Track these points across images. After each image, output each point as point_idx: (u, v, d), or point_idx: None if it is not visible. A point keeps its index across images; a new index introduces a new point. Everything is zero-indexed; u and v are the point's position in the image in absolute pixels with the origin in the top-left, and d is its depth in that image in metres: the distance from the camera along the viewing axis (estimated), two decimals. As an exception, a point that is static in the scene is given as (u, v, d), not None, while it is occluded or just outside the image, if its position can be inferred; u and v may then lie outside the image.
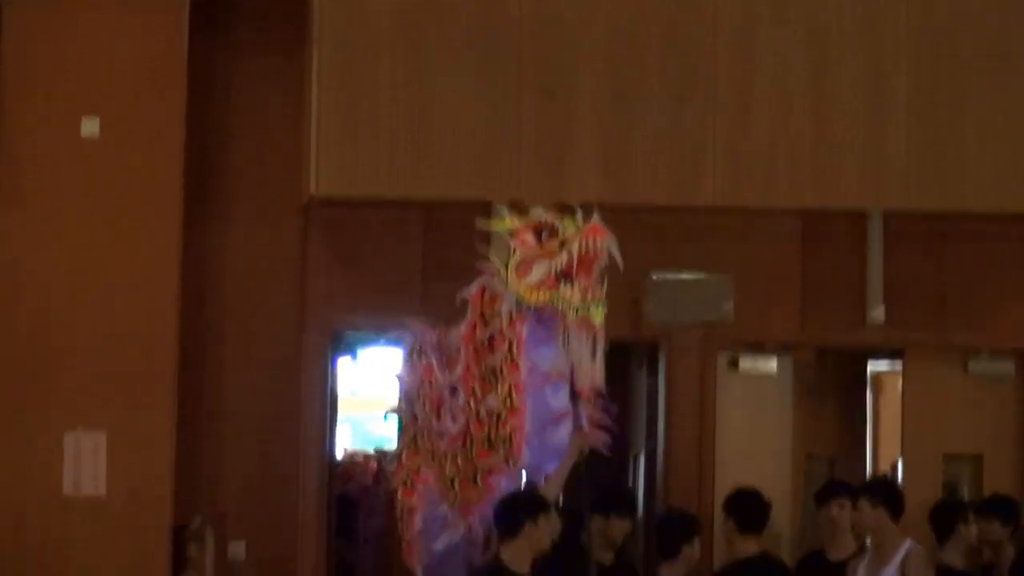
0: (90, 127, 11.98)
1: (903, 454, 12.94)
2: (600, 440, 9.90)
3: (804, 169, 12.18)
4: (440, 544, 9.93)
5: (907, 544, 10.52)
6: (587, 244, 8.74)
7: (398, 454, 11.38)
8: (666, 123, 12.35)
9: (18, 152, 12.22)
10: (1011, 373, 13.00)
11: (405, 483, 10.18)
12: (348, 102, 12.13)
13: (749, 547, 11.08)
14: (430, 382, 10.07)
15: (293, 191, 12.13)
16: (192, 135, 12.14)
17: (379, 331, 12.24)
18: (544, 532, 8.78)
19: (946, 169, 12.23)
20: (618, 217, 9.23)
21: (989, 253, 12.71)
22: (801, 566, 11.77)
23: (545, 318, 9.09)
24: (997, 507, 11.88)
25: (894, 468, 13.28)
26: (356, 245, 12.01)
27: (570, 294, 8.74)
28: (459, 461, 9.65)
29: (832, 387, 13.72)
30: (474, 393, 9.43)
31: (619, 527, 10.63)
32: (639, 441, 13.56)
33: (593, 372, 9.00)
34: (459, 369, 9.60)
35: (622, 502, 11.01)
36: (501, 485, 9.61)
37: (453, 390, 9.86)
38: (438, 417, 10.04)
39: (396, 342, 11.98)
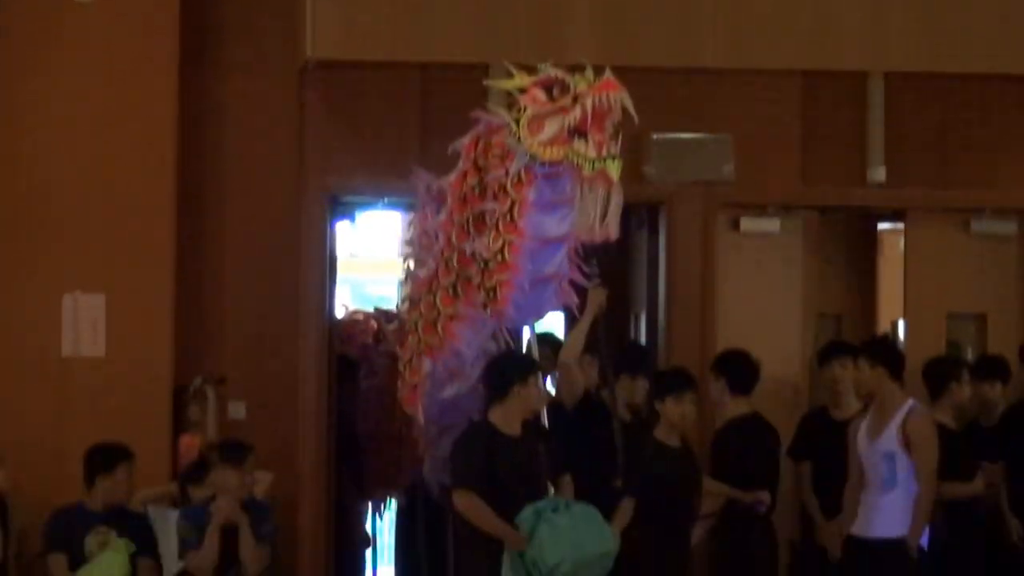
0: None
1: (906, 314, 13.02)
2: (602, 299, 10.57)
3: (804, 30, 12.18)
4: (447, 393, 10.21)
5: (909, 403, 10.58)
6: (600, 99, 8.79)
7: (397, 312, 12.54)
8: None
9: (14, 16, 12.08)
10: (1014, 232, 13.01)
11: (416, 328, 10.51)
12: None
13: (740, 407, 11.34)
14: (424, 231, 10.63)
15: (291, 51, 12.00)
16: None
17: (377, 194, 12.55)
18: (534, 394, 9.16)
19: (947, 30, 12.23)
20: (618, 77, 9.11)
21: (989, 113, 12.68)
22: (804, 424, 11.84)
23: (554, 180, 9.24)
24: (991, 367, 12.13)
25: (895, 328, 13.42)
26: (354, 108, 11.86)
27: (584, 149, 8.86)
28: (421, 307, 10.23)
29: (839, 246, 13.68)
30: (450, 241, 9.79)
31: (642, 387, 10.67)
32: (640, 300, 13.74)
33: (606, 226, 9.09)
34: (441, 215, 10.01)
35: (646, 362, 11.08)
36: (464, 334, 10.04)
37: (436, 236, 10.45)
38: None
39: (394, 205, 12.65)
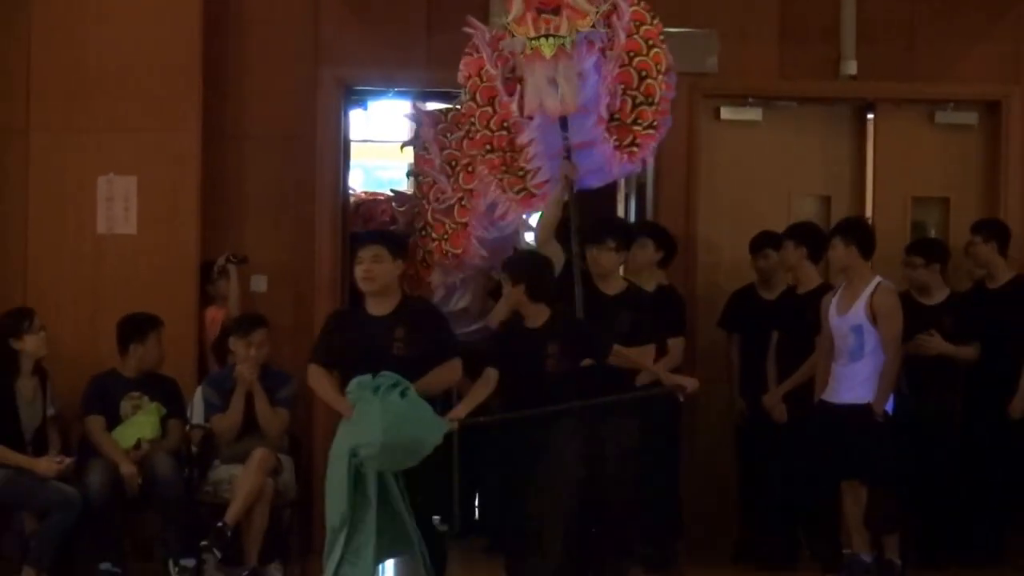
0: None
1: (874, 198, 13.10)
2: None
3: None
4: (492, 234, 10.69)
5: (876, 280, 10.91)
6: None
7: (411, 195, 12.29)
8: None
9: None
10: (975, 123, 13.14)
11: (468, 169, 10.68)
12: None
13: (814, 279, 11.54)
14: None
15: None
16: None
17: (388, 84, 12.54)
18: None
19: None
20: None
21: (953, 11, 12.66)
22: (734, 298, 12.10)
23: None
24: (920, 248, 12.20)
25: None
26: (365, 3, 11.95)
27: (525, 30, 9.40)
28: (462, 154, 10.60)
29: (830, 133, 13.45)
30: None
31: (607, 256, 10.47)
32: (629, 181, 13.42)
33: (562, 100, 9.47)
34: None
35: (614, 231, 10.80)
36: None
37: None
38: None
39: (403, 95, 12.94)
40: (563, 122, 10.03)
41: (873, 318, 10.78)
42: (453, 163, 11.01)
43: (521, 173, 10.49)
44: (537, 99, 9.58)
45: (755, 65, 12.38)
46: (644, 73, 10.18)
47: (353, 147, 13.56)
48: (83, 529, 10.30)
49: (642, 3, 10.26)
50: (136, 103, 11.86)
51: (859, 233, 11.32)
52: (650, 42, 10.21)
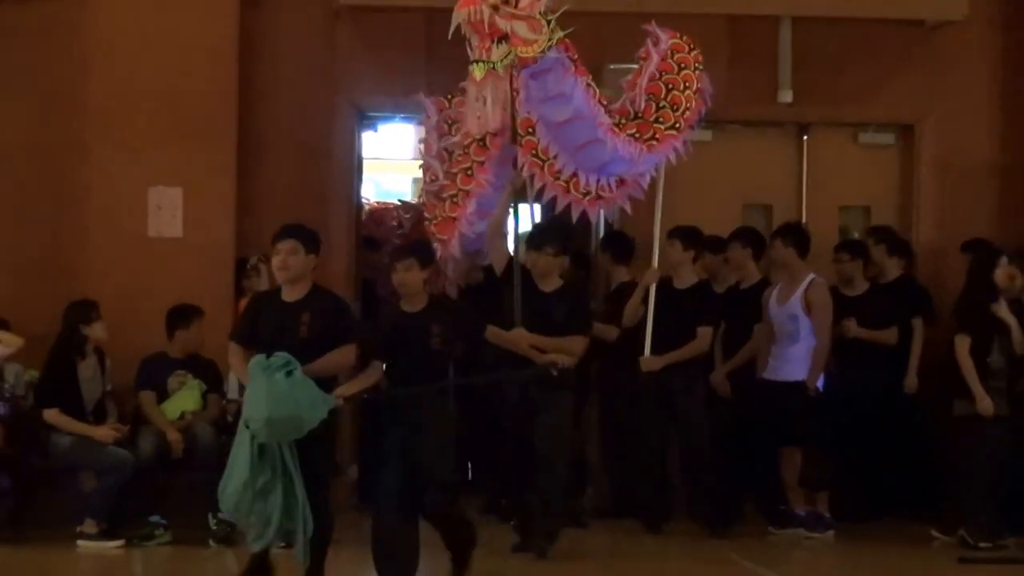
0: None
1: (808, 207, 13.06)
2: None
3: None
4: (477, 228, 10.60)
5: (810, 276, 11.17)
6: (471, 12, 8.97)
7: (414, 204, 12.79)
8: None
9: None
10: (892, 142, 13.23)
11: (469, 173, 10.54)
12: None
13: (685, 275, 11.24)
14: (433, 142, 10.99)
15: None
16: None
17: (395, 109, 12.55)
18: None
19: None
20: (575, 19, 9.46)
21: (873, 47, 12.70)
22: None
23: (539, 78, 9.43)
24: (847, 247, 12.26)
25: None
26: (375, 40, 11.91)
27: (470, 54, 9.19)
28: (458, 159, 10.54)
29: (775, 151, 13.36)
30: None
31: (545, 262, 10.25)
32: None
33: (484, 117, 9.34)
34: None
35: (552, 239, 10.50)
36: (490, 178, 10.40)
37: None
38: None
39: (407, 119, 13.20)
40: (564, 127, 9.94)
41: (807, 308, 10.97)
42: (450, 151, 10.95)
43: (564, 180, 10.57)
44: (473, 117, 9.53)
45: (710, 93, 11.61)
46: (671, 86, 10.29)
47: (365, 163, 13.52)
48: (135, 487, 10.37)
49: (683, 37, 10.43)
50: (181, 123, 11.75)
51: (797, 235, 11.52)
52: (683, 65, 10.37)
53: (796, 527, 11.15)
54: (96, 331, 10.89)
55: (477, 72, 9.27)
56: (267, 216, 11.72)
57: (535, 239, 10.28)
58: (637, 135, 10.08)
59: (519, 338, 10.00)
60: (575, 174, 10.58)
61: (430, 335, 8.70)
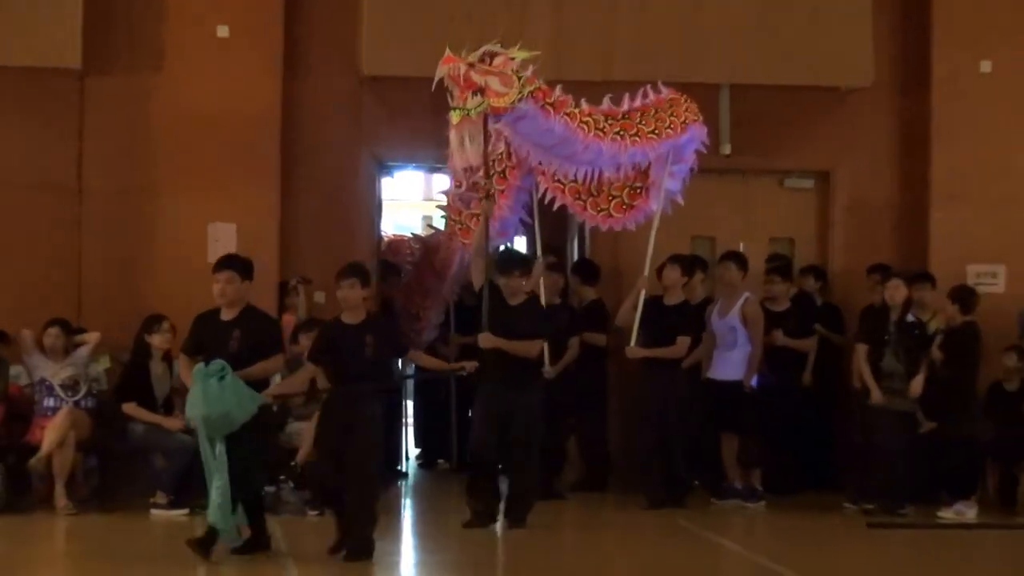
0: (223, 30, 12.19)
1: (743, 237, 13.26)
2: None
3: (673, 48, 12.34)
4: (497, 242, 10.98)
5: (746, 294, 11.69)
6: (450, 69, 9.37)
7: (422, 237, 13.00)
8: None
9: (174, 42, 12.18)
10: (811, 186, 13.62)
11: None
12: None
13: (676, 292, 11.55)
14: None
15: (351, 64, 12.12)
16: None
17: (409, 159, 12.97)
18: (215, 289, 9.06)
19: (766, 57, 12.45)
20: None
21: (771, 108, 12.97)
22: (646, 304, 11.65)
23: (519, 121, 9.71)
24: (778, 271, 12.51)
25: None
26: (393, 103, 12.07)
27: (467, 102, 9.36)
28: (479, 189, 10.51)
29: (710, 193, 13.11)
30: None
31: (514, 283, 10.44)
32: (581, 225, 13.22)
33: (464, 156, 9.69)
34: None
35: (518, 264, 10.76)
36: (507, 204, 10.89)
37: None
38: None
39: (419, 168, 13.27)
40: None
41: (744, 320, 11.50)
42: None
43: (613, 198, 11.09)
44: (456, 154, 9.93)
45: None
46: (659, 109, 10.55)
47: (384, 203, 13.81)
48: (196, 465, 10.08)
49: (685, 96, 10.79)
50: (234, 171, 12.15)
51: (741, 260, 11.98)
52: (675, 105, 10.68)
53: (734, 499, 11.60)
54: (156, 340, 11.24)
55: (455, 117, 9.61)
56: (305, 247, 12.61)
57: (503, 266, 10.47)
58: (621, 133, 10.24)
59: (484, 340, 10.26)
60: (591, 192, 10.94)
61: (364, 344, 8.85)
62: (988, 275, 12.74)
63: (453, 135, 9.82)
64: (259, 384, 8.82)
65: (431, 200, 14.37)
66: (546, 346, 11.29)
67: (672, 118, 10.74)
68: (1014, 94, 13.01)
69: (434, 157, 12.12)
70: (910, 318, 11.47)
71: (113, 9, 12.32)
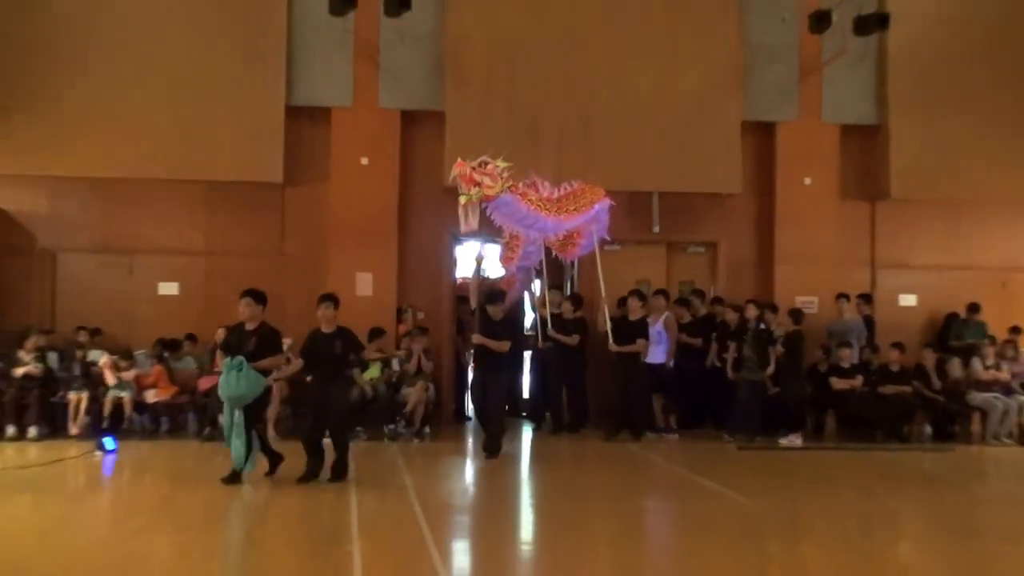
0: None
1: (666, 281, 14.39)
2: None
3: (621, 167, 13.15)
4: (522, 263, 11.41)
5: (667, 313, 12.95)
6: (458, 172, 9.60)
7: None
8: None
9: (315, 169, 13.30)
10: (704, 252, 14.65)
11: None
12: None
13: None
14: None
15: (439, 179, 12.35)
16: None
17: (470, 236, 12.07)
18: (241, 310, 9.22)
19: (680, 171, 13.46)
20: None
21: (696, 205, 14.15)
22: (615, 320, 12.53)
23: (501, 208, 9.91)
24: (683, 303, 13.60)
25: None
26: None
27: (471, 190, 9.53)
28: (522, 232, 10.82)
29: (647, 258, 14.47)
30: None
31: (492, 309, 10.95)
32: (565, 269, 13.95)
33: (468, 224, 9.68)
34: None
35: (499, 297, 11.14)
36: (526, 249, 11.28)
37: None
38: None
39: (475, 239, 12.67)
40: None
41: (665, 328, 12.78)
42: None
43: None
44: (462, 223, 9.80)
45: (617, 225, 12.37)
46: (576, 196, 10.86)
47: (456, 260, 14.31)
48: (361, 411, 11.73)
49: (592, 187, 11.10)
50: (369, 240, 13.35)
51: (667, 293, 13.28)
52: (584, 193, 10.93)
53: (661, 433, 12.80)
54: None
55: (462, 200, 9.62)
56: (411, 286, 13.60)
57: (488, 299, 10.95)
58: (557, 211, 10.42)
59: (476, 339, 10.93)
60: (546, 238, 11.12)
61: (334, 347, 9.19)
62: (808, 303, 13.82)
63: (460, 211, 9.72)
64: (263, 372, 8.97)
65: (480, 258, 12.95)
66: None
67: (584, 200, 10.85)
68: (824, 198, 14.16)
69: (481, 235, 11.88)
70: (762, 326, 12.53)
71: (299, 146, 13.31)
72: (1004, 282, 14.56)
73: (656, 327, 12.80)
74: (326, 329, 9.18)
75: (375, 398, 12.13)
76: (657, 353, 12.82)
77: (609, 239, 11.63)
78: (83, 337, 12.49)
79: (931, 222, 14.48)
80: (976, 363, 13.20)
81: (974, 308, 13.93)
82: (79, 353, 12.33)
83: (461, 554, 7.21)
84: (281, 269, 13.42)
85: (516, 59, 13.17)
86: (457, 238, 13.63)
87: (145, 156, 12.71)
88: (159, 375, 12.25)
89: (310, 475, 9.02)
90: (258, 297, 9.10)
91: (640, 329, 12.50)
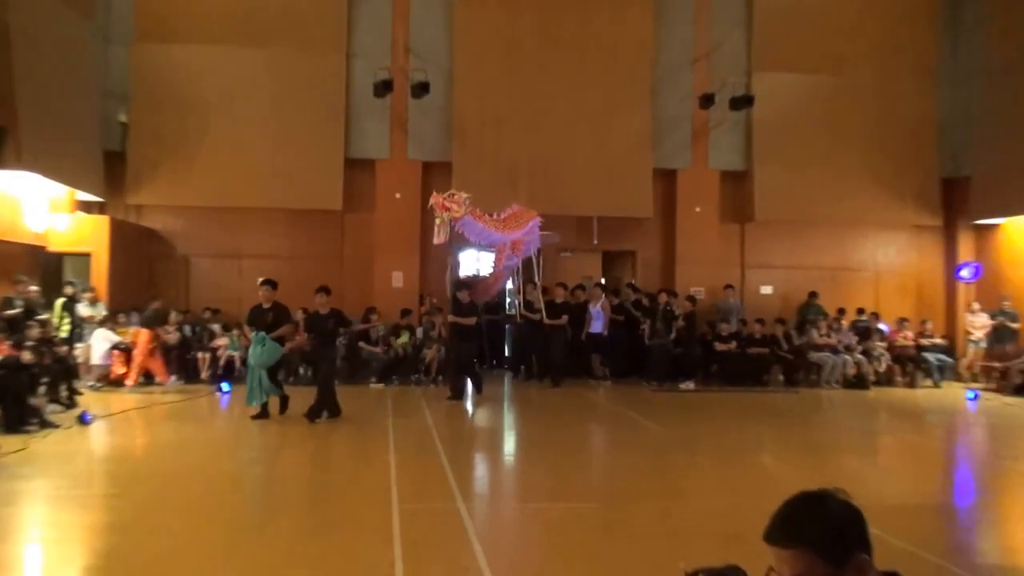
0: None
1: (606, 282, 13.96)
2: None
3: (568, 193, 12.84)
4: (508, 263, 10.60)
5: (603, 297, 12.51)
6: (436, 201, 8.94)
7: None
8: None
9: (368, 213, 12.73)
10: (629, 258, 14.17)
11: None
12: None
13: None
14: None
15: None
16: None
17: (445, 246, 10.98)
18: (260, 293, 8.68)
19: (615, 198, 13.02)
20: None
21: (623, 225, 13.77)
22: (569, 306, 12.24)
23: (468, 226, 9.22)
24: (610, 290, 13.11)
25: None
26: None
27: (443, 214, 8.83)
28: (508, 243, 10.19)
29: (596, 263, 14.10)
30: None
31: (461, 295, 10.49)
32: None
33: (440, 238, 8.98)
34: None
35: (462, 286, 10.77)
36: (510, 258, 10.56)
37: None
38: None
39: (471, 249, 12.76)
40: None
41: (602, 309, 12.40)
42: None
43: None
44: (436, 237, 9.09)
45: (568, 238, 12.93)
46: (518, 217, 10.25)
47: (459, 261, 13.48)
48: (395, 366, 11.61)
49: (531, 211, 10.51)
50: (402, 247, 13.06)
51: (603, 286, 13.03)
52: (523, 216, 10.32)
53: (598, 380, 12.59)
54: (373, 318, 12.07)
55: (437, 221, 8.95)
56: (429, 280, 13.06)
57: (457, 287, 10.71)
58: (503, 228, 9.81)
59: (449, 318, 10.61)
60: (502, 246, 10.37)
61: (327, 322, 8.78)
62: (699, 291, 13.52)
63: (435, 230, 9.11)
64: (281, 340, 8.63)
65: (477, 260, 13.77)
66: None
67: (523, 219, 10.29)
68: (709, 221, 13.85)
69: (474, 245, 12.09)
70: (668, 307, 12.33)
71: (353, 185, 12.82)
72: (832, 277, 14.35)
73: (595, 308, 12.58)
74: (322, 311, 8.78)
75: (405, 356, 11.98)
76: (596, 326, 12.60)
77: (540, 247, 11.15)
78: (207, 315, 12.48)
79: (782, 237, 14.22)
80: (813, 332, 13.07)
81: (813, 295, 13.80)
82: (206, 326, 12.27)
83: (464, 462, 7.12)
84: (340, 270, 13.28)
85: (500, 126, 12.96)
86: (460, 248, 13.26)
87: (247, 191, 12.66)
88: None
89: (316, 414, 8.57)
90: (272, 284, 8.69)
91: (564, 309, 12.17)
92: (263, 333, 8.25)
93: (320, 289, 8.77)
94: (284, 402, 8.72)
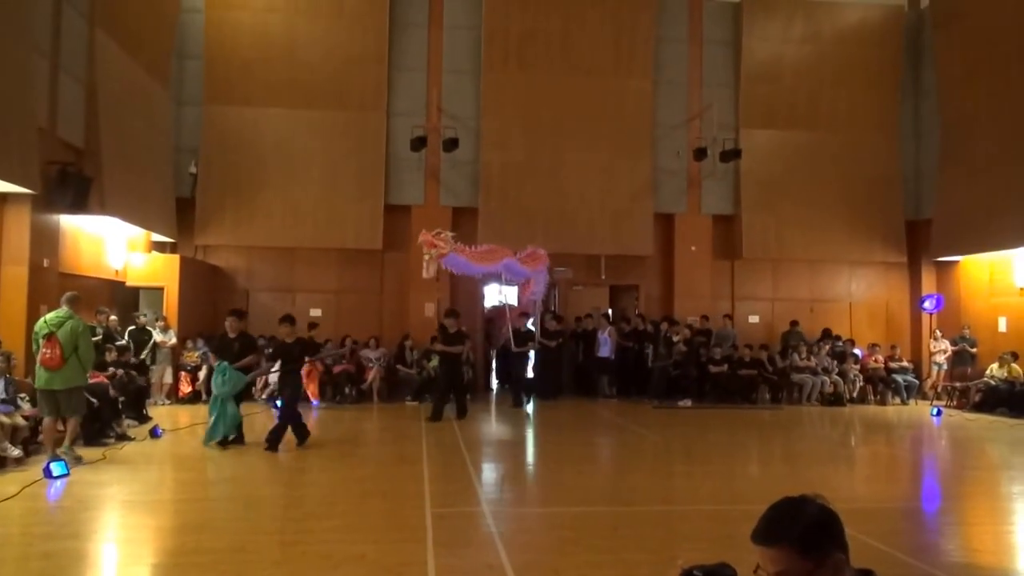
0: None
1: (612, 308, 13.71)
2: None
3: (563, 226, 12.51)
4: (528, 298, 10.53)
5: (609, 326, 12.50)
6: (426, 239, 8.83)
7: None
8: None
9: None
10: (635, 291, 13.85)
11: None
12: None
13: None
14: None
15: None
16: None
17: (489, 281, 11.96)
18: (284, 332, 7.91)
19: (617, 238, 12.78)
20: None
21: (628, 263, 13.53)
22: (577, 333, 12.62)
23: (454, 263, 8.99)
24: (613, 320, 12.87)
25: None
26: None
27: (431, 251, 8.74)
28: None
29: (604, 295, 13.74)
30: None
31: (448, 323, 9.94)
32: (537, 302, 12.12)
33: (427, 273, 8.83)
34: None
35: (450, 315, 10.19)
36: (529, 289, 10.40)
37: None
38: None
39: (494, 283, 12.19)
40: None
41: (609, 335, 12.33)
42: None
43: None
44: (424, 272, 8.96)
45: (580, 274, 12.99)
46: (531, 257, 10.25)
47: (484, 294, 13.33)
48: (426, 387, 11.29)
49: (543, 252, 10.49)
50: (434, 286, 12.39)
51: (614, 316, 12.89)
52: (537, 256, 10.39)
53: (605, 398, 12.30)
54: (407, 343, 11.73)
55: (426, 258, 8.80)
56: (458, 303, 12.59)
57: (446, 316, 10.05)
58: (479, 260, 9.36)
59: (438, 346, 9.94)
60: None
61: (293, 351, 7.86)
62: (695, 321, 13.20)
63: (424, 266, 8.94)
64: (246, 369, 7.89)
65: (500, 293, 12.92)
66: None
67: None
68: (703, 258, 13.59)
69: (496, 280, 11.46)
70: (667, 334, 12.22)
71: (392, 227, 12.59)
72: (811, 308, 14.16)
73: (603, 335, 12.55)
74: (288, 340, 7.89)
75: (436, 376, 11.50)
76: (603, 351, 12.57)
77: (556, 282, 10.81)
78: (262, 342, 12.05)
79: (767, 272, 14.08)
80: (795, 356, 12.95)
81: (794, 323, 13.57)
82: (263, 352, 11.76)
83: (488, 469, 7.11)
84: (380, 302, 13.22)
85: (521, 177, 12.88)
86: (486, 282, 13.01)
87: (300, 233, 12.57)
88: (310, 364, 11.66)
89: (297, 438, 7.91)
90: (239, 315, 8.11)
91: (557, 335, 12.00)
92: (225, 363, 7.62)
93: (284, 319, 7.96)
94: (302, 431, 7.87)
